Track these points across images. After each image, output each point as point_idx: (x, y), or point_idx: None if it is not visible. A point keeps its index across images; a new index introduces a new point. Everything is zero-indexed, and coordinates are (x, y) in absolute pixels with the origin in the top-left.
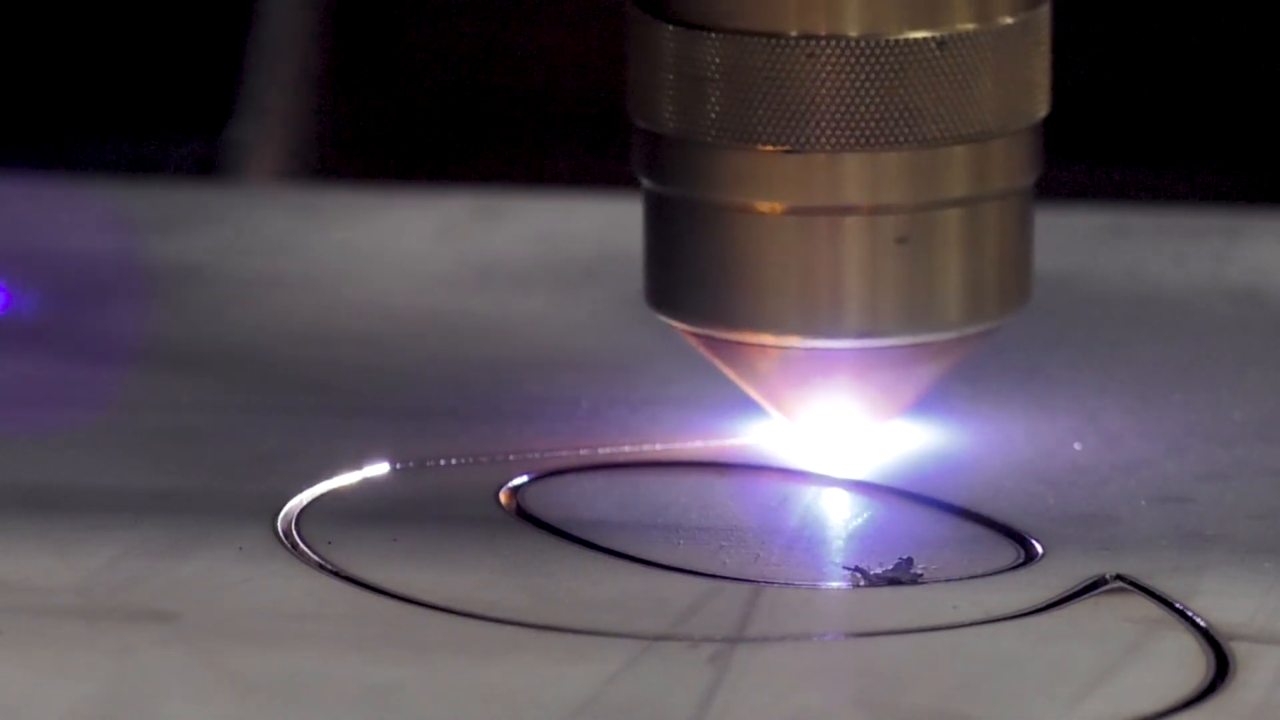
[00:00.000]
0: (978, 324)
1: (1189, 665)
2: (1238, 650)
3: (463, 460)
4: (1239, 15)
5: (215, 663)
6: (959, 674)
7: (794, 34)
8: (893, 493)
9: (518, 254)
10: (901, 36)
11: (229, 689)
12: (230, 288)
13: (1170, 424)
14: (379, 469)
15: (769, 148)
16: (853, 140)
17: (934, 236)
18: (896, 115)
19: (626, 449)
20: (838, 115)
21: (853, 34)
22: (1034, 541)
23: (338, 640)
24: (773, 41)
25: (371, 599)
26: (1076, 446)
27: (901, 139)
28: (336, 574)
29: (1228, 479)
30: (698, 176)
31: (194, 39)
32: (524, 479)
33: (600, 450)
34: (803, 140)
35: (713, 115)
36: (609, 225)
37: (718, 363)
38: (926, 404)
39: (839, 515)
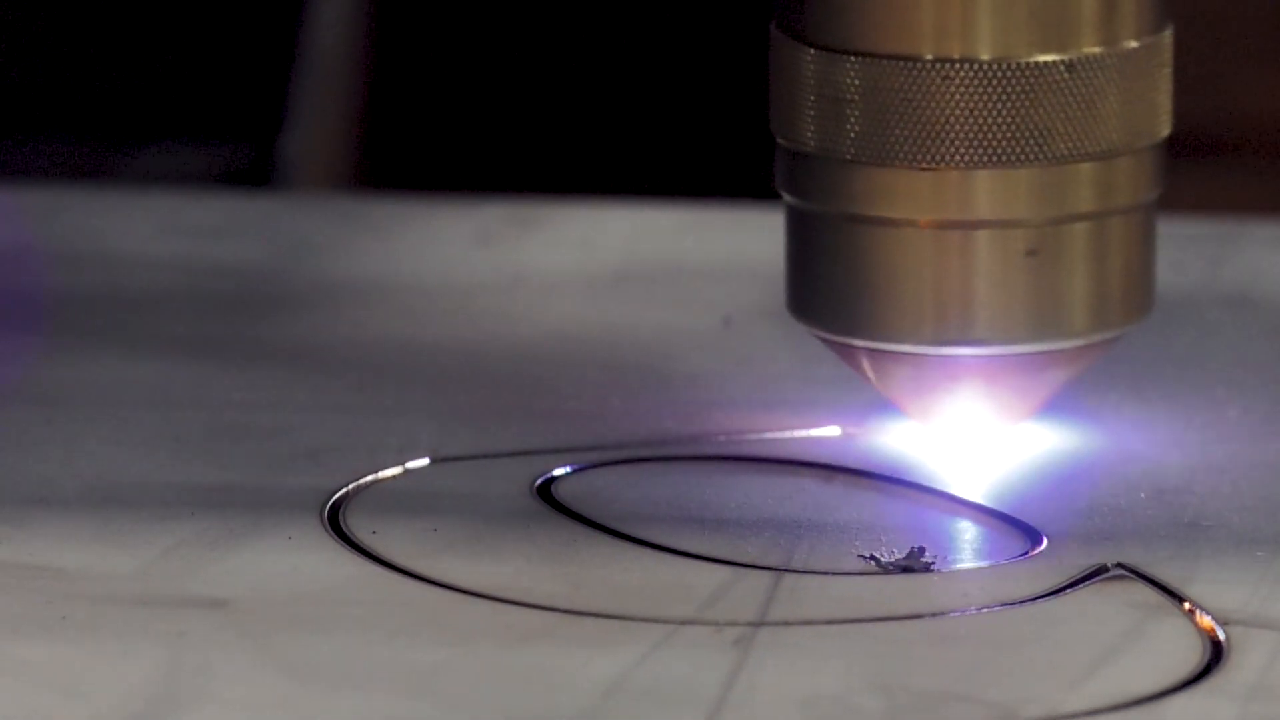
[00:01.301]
0: (1103, 332)
1: (1186, 648)
2: (1232, 634)
3: (499, 454)
4: (1230, 33)
5: (265, 646)
6: (969, 656)
7: (929, 57)
8: (906, 485)
9: (550, 259)
10: (1032, 59)
11: (278, 671)
12: (279, 291)
13: (1169, 421)
14: (420, 463)
15: (905, 165)
16: (985, 158)
17: (1062, 249)
18: (1027, 134)
19: (654, 444)
20: (971, 134)
21: (985, 57)
22: (1039, 531)
23: (381, 625)
24: (909, 64)
25: (413, 586)
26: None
27: (1031, 157)
28: (380, 562)
29: (1223, 472)
30: (837, 192)
31: (245, 55)
32: (557, 472)
33: (629, 446)
34: (937, 158)
35: (852, 134)
36: (636, 232)
37: (854, 368)
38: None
39: (856, 506)
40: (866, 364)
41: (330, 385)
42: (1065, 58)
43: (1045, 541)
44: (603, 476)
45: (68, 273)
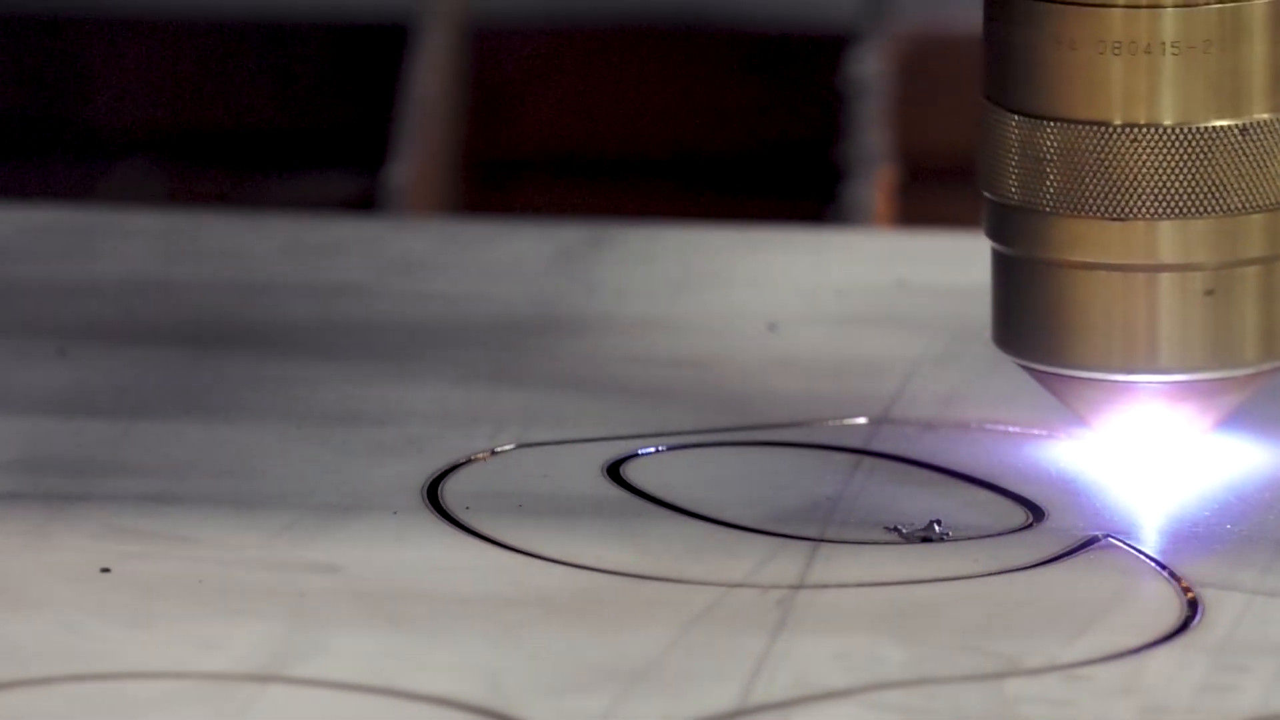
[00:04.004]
0: (1271, 361)
1: (1166, 608)
2: (1205, 596)
3: (575, 440)
4: None
5: (373, 606)
6: (979, 615)
7: (1118, 123)
8: (925, 467)
9: (619, 272)
10: (1209, 124)
11: (385, 626)
12: (386, 301)
13: None
14: (507, 448)
15: (1097, 216)
16: (1167, 210)
17: (1235, 289)
18: (1204, 190)
19: (708, 431)
20: (1155, 190)
21: (1168, 122)
22: (1041, 507)
23: (473, 587)
24: (1101, 129)
25: (500, 553)
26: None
27: (1208, 209)
28: (472, 533)
29: (1200, 457)
30: (1037, 240)
31: (357, 99)
32: (626, 455)
33: (687, 432)
34: (1126, 210)
35: (1050, 190)
36: (693, 249)
37: (1050, 391)
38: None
39: (881, 485)
40: (1062, 390)
41: (430, 381)
42: (1239, 123)
43: (1046, 514)
44: (665, 459)
45: (206, 285)
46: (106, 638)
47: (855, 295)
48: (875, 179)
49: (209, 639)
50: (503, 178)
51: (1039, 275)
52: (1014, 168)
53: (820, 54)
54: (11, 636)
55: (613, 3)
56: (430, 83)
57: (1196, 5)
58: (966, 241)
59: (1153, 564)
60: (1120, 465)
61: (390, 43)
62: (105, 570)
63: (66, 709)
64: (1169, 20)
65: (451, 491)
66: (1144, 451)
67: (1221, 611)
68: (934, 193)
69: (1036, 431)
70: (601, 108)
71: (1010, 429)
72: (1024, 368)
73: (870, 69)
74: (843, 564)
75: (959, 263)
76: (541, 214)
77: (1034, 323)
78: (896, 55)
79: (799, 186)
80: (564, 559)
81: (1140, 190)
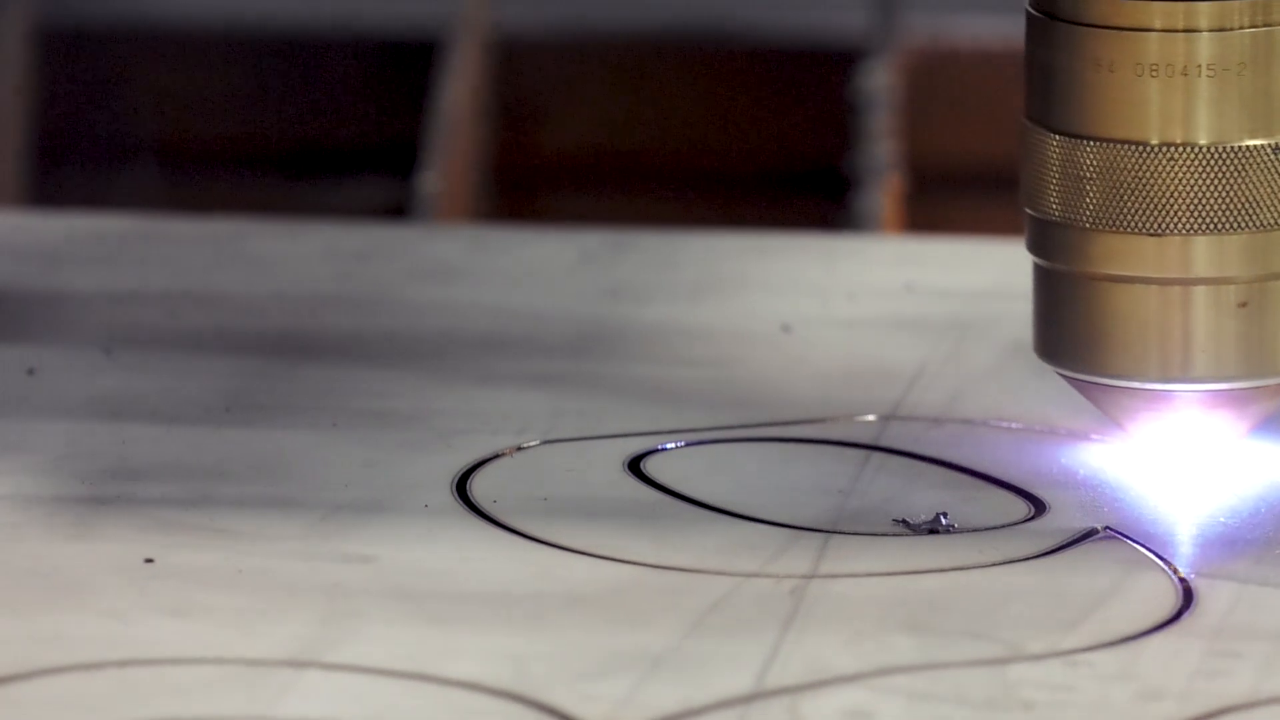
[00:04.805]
0: None
1: (1162, 596)
2: (1200, 585)
3: (597, 437)
4: None
5: (405, 595)
6: (982, 604)
7: (1155, 142)
8: (931, 462)
9: (639, 277)
10: (1243, 143)
11: (417, 614)
12: (418, 303)
13: None
14: (533, 444)
15: (1135, 232)
16: (1202, 226)
17: (1268, 301)
18: (1238, 206)
19: (725, 428)
20: (1191, 206)
21: (1203, 142)
22: (1042, 500)
23: (501, 577)
24: (1138, 148)
25: (527, 545)
26: None
27: (1242, 225)
28: (500, 525)
29: (1201, 457)
30: (1077, 254)
31: (388, 110)
32: (647, 451)
33: (705, 429)
34: (1162, 226)
35: (1090, 206)
36: (710, 254)
37: (1089, 400)
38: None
39: (890, 479)
40: (1101, 398)
41: (459, 379)
42: (1271, 142)
43: (1047, 507)
44: (684, 455)
45: (246, 290)
46: (150, 625)
47: (865, 298)
48: (884, 187)
49: (248, 626)
50: (529, 186)
51: (1079, 288)
52: (1055, 185)
53: (832, 67)
54: (60, 624)
55: (633, 19)
56: (459, 95)
57: (1230, 29)
58: (971, 247)
59: (1150, 555)
60: (1119, 462)
61: (421, 57)
62: (149, 561)
63: (113, 693)
64: (1204, 43)
65: (480, 486)
66: (1179, 456)
67: (1215, 600)
68: (940, 200)
69: (1038, 429)
70: (623, 119)
71: (1013, 426)
72: (1064, 377)
73: (880, 82)
74: (853, 555)
75: (964, 267)
76: (566, 221)
77: (1074, 334)
78: (905, 68)
79: (811, 194)
80: (587, 550)
81: (1176, 207)
